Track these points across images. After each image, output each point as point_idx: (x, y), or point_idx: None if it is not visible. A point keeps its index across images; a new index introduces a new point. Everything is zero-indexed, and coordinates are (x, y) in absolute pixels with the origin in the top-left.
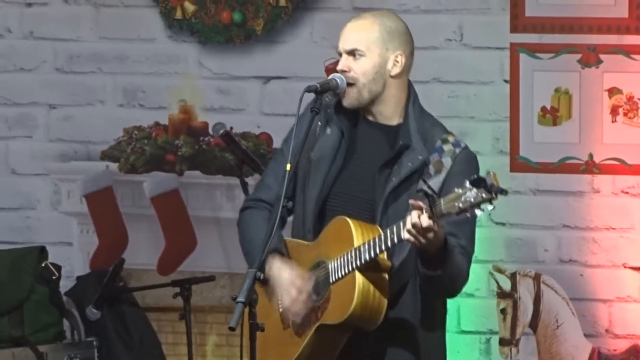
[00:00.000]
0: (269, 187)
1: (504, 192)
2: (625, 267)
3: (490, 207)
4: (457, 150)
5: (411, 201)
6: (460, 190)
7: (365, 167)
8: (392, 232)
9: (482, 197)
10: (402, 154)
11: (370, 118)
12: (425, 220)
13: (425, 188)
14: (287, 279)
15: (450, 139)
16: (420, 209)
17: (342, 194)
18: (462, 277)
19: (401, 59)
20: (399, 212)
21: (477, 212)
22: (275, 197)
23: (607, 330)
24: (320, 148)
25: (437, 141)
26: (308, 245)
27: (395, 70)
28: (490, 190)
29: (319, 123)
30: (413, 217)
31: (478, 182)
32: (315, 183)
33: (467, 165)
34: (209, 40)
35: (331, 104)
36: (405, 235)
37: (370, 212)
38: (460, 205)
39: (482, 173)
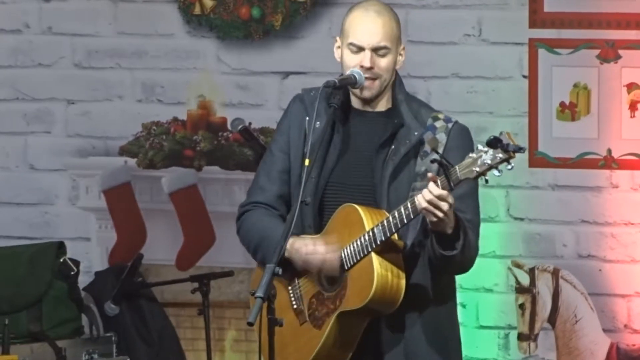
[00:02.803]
0: (263, 188)
1: (521, 149)
2: None
3: (508, 166)
4: (450, 125)
5: (430, 174)
6: (475, 155)
7: (361, 155)
8: (406, 209)
9: (499, 157)
10: (398, 133)
11: (365, 108)
12: (440, 192)
13: (437, 157)
14: (310, 241)
15: (440, 115)
16: (435, 180)
17: (339, 185)
18: (474, 252)
19: (403, 52)
20: (401, 193)
21: (496, 173)
22: (270, 197)
23: (625, 326)
24: (312, 143)
25: (427, 120)
26: (315, 238)
27: (400, 63)
28: (507, 149)
29: (307, 118)
30: (427, 190)
31: (494, 143)
32: (311, 178)
33: (461, 138)
34: (227, 35)
35: (316, 98)
36: (424, 205)
37: (371, 198)
38: (477, 169)
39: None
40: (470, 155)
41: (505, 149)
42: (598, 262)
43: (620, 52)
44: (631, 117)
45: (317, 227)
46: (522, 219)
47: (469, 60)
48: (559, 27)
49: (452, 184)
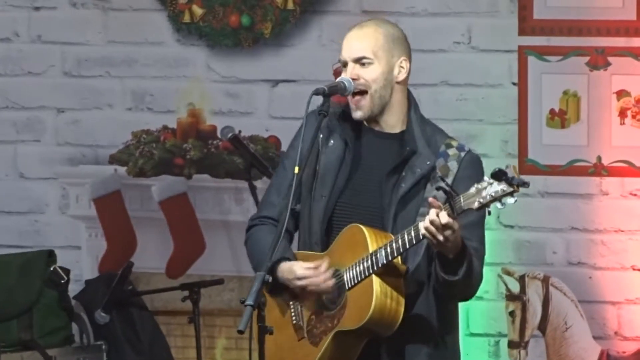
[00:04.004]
0: (273, 204)
1: (525, 184)
2: (634, 269)
3: (511, 200)
4: (462, 154)
5: (430, 199)
6: (480, 186)
7: (371, 176)
8: (409, 234)
9: (503, 190)
10: (409, 160)
11: (375, 127)
12: (444, 217)
13: (443, 185)
14: (302, 269)
15: (454, 143)
16: (438, 207)
17: (349, 205)
18: (478, 280)
19: (406, 65)
20: (408, 218)
21: (499, 205)
22: (280, 213)
23: (616, 333)
24: (324, 160)
25: (440, 146)
26: (320, 256)
27: (402, 76)
28: (512, 183)
29: (321, 135)
30: (432, 213)
31: (499, 176)
32: (321, 196)
33: (473, 168)
34: (217, 43)
35: (334, 115)
36: (423, 232)
37: (378, 221)
38: (481, 200)
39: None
40: (476, 186)
41: (509, 182)
42: (588, 270)
43: (610, 59)
44: (621, 124)
45: (324, 244)
46: (512, 227)
47: (458, 67)
48: (548, 35)
49: (455, 213)
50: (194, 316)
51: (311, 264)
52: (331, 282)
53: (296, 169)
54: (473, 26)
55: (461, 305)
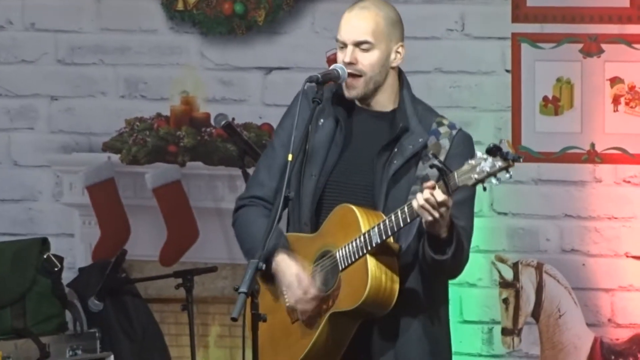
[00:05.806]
0: (262, 183)
1: (519, 158)
2: (627, 256)
3: (507, 175)
4: (454, 132)
5: (426, 184)
6: (474, 162)
7: (363, 154)
8: (402, 212)
9: (498, 165)
10: (402, 137)
11: (365, 106)
12: (439, 195)
13: (436, 163)
14: (293, 280)
15: (445, 121)
16: (432, 185)
17: (339, 183)
18: (464, 259)
19: (402, 50)
20: (400, 196)
21: (494, 181)
22: (269, 192)
23: (609, 320)
24: (314, 139)
25: (432, 124)
26: (310, 237)
27: (397, 62)
28: (507, 157)
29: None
30: (426, 192)
31: (494, 151)
32: (310, 175)
33: (464, 146)
34: (210, 31)
35: (324, 94)
36: (418, 209)
37: (369, 199)
38: (476, 176)
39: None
40: (469, 162)
41: (504, 157)
42: (582, 257)
43: (603, 46)
44: (614, 111)
45: (314, 224)
46: (505, 214)
47: (452, 55)
48: (541, 22)
49: (450, 190)
50: (188, 304)
51: (304, 279)
52: (307, 312)
53: (290, 157)
54: (466, 13)
55: (454, 293)
